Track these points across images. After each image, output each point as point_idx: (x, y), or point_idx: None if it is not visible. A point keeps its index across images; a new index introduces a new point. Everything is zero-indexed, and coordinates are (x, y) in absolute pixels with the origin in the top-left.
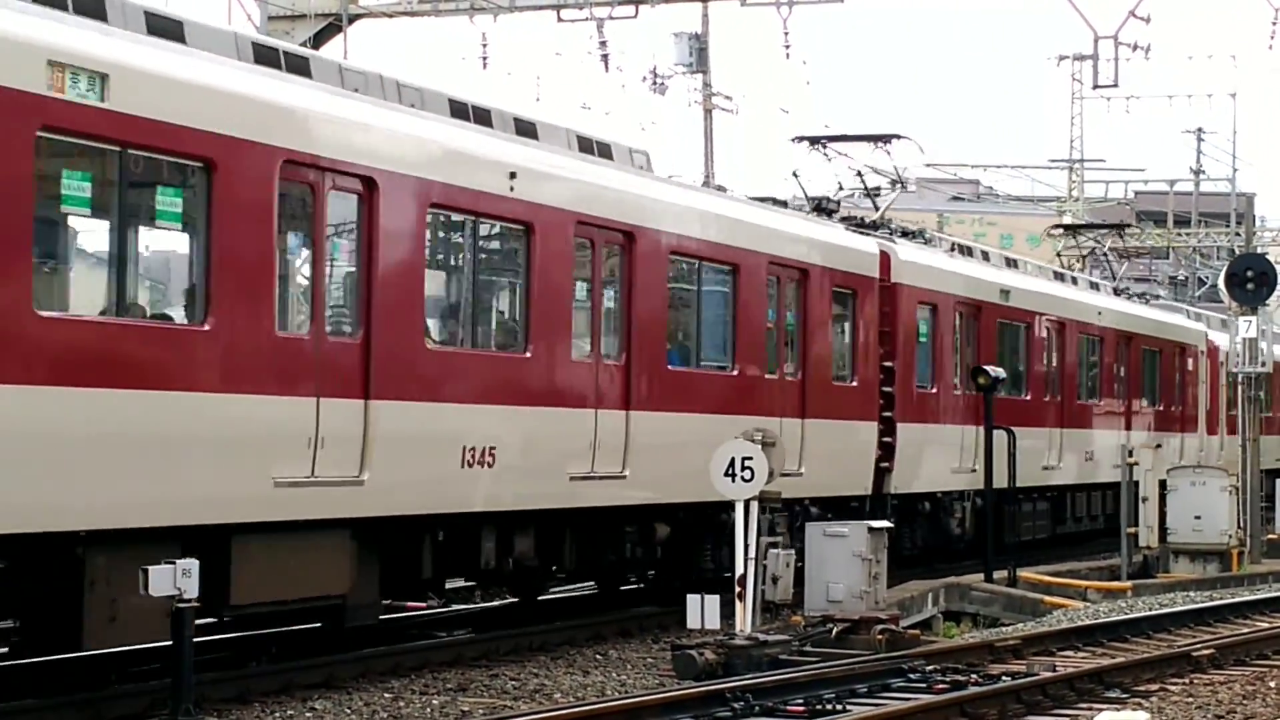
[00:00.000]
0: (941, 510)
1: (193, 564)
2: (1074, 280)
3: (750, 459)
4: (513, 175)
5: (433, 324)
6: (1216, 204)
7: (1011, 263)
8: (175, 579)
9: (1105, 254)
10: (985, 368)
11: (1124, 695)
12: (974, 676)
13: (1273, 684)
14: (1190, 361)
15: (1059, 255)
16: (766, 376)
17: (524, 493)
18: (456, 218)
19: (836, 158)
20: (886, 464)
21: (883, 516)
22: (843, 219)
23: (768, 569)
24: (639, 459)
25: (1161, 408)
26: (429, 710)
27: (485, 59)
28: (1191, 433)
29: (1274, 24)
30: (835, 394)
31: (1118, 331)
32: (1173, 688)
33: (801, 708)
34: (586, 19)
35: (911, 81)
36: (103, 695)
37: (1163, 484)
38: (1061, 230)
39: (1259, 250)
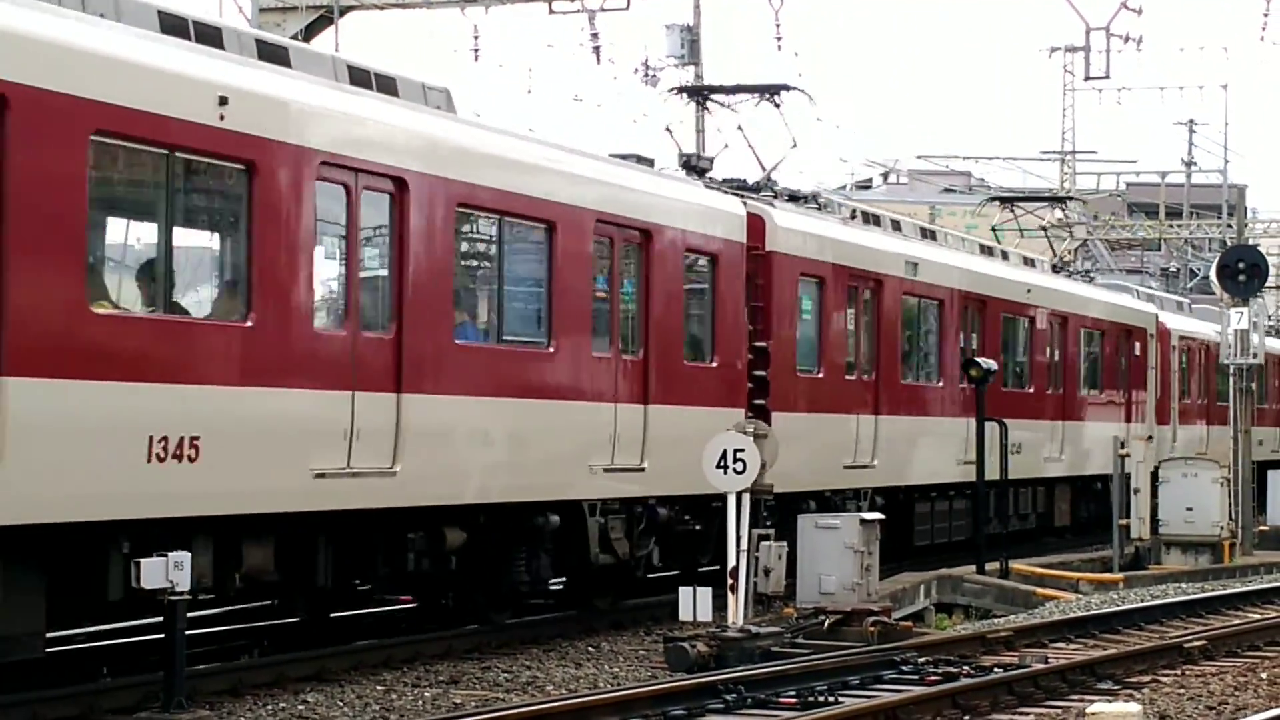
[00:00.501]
0: (831, 510)
1: (185, 556)
2: (1004, 255)
3: (742, 451)
4: (224, 101)
5: None
6: (1208, 196)
7: (930, 234)
8: (167, 571)
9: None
10: (978, 360)
11: (1116, 687)
12: (966, 668)
13: (1264, 675)
14: (1138, 346)
15: (1050, 245)
16: (595, 355)
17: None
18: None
19: (719, 111)
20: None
21: (754, 519)
22: (725, 181)
23: (760, 561)
24: (412, 452)
25: (1104, 395)
26: (421, 703)
27: (477, 51)
28: (1139, 423)
29: (1265, 16)
30: (688, 377)
31: (1052, 311)
32: (1164, 679)
33: (794, 699)
34: (578, 11)
35: (903, 72)
36: (95, 688)
37: (1154, 475)
38: (998, 204)
39: (1250, 242)
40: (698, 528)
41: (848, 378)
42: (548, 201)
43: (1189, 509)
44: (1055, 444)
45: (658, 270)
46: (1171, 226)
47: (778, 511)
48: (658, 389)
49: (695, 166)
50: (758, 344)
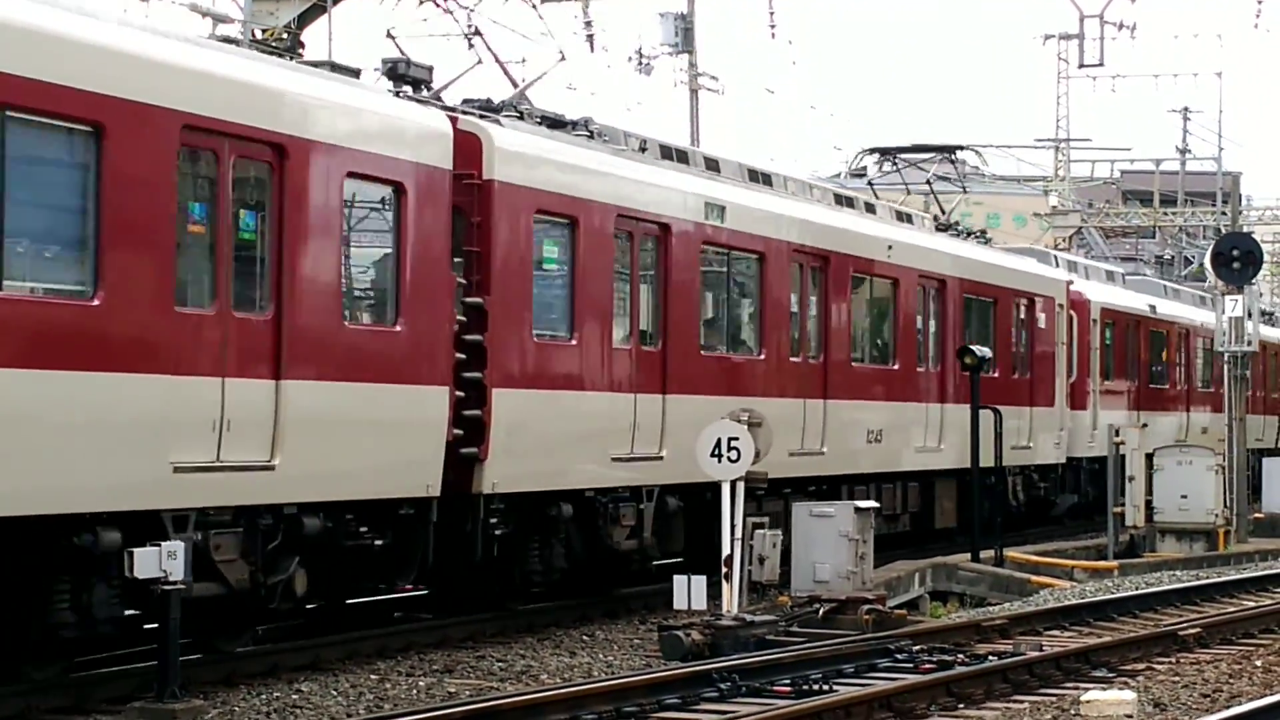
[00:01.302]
0: (599, 516)
1: (179, 546)
2: (869, 208)
3: (736, 440)
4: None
5: None
6: (1202, 183)
7: (763, 177)
8: (161, 561)
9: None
10: (972, 347)
11: (1110, 674)
12: (960, 656)
13: (1259, 663)
14: (1043, 317)
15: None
16: (180, 311)
17: None
18: None
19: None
20: (473, 448)
21: (472, 527)
22: (466, 102)
23: (754, 549)
24: None
25: (996, 374)
26: (415, 692)
27: (470, 39)
28: (1045, 406)
29: (1260, 3)
30: (352, 344)
31: (923, 274)
32: (1159, 667)
33: (788, 688)
34: None
35: (897, 60)
36: (88, 677)
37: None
38: (877, 154)
39: (1245, 229)
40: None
41: (620, 347)
42: (105, 97)
43: (1184, 496)
44: (932, 432)
45: (300, 201)
46: (1166, 214)
47: (514, 516)
48: (297, 359)
49: (406, 76)
50: (470, 300)
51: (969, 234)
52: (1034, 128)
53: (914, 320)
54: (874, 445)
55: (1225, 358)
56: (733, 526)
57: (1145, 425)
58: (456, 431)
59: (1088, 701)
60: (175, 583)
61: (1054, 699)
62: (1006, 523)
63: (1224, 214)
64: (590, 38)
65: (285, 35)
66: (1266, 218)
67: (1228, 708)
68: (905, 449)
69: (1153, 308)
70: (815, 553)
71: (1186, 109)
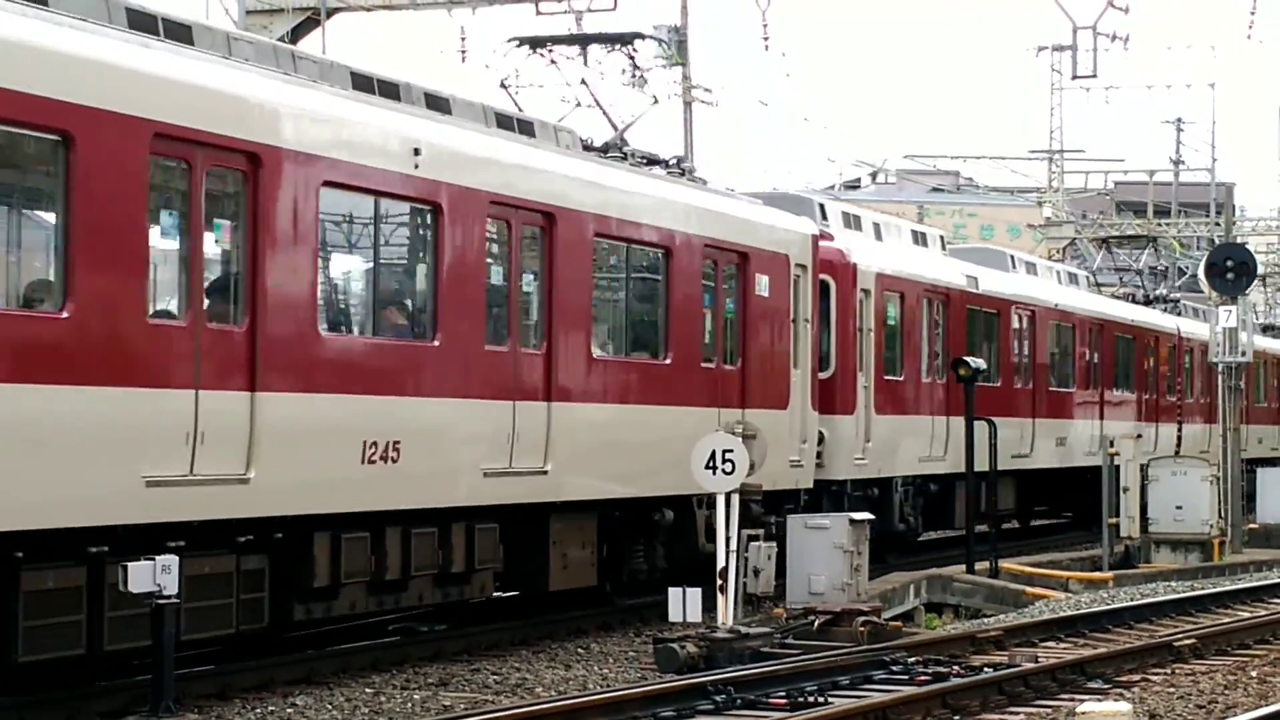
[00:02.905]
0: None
1: (172, 560)
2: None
3: (731, 452)
4: None
5: None
6: (1196, 194)
7: (437, 104)
8: (155, 575)
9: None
10: (966, 359)
11: (1106, 686)
12: (956, 668)
13: (1254, 674)
14: (765, 282)
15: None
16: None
17: None
18: None
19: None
20: None
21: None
22: None
23: (749, 561)
24: None
25: (668, 362)
26: (410, 705)
27: (464, 52)
28: (777, 408)
29: (1253, 14)
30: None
31: (597, 218)
32: (1155, 678)
33: (783, 700)
34: (565, 11)
35: (891, 72)
36: (83, 692)
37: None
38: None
39: (1238, 240)
40: None
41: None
42: None
43: (1178, 507)
44: (526, 447)
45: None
46: (1160, 225)
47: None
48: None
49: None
50: None
51: (692, 177)
52: (1027, 139)
53: (577, 291)
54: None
55: (1219, 368)
56: (728, 539)
57: (1140, 436)
58: None
59: (1083, 713)
60: (169, 597)
61: (1049, 711)
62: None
63: (1218, 224)
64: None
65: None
66: (1260, 228)
67: (1223, 718)
68: (468, 464)
69: (974, 280)
70: (810, 565)
71: (1180, 120)
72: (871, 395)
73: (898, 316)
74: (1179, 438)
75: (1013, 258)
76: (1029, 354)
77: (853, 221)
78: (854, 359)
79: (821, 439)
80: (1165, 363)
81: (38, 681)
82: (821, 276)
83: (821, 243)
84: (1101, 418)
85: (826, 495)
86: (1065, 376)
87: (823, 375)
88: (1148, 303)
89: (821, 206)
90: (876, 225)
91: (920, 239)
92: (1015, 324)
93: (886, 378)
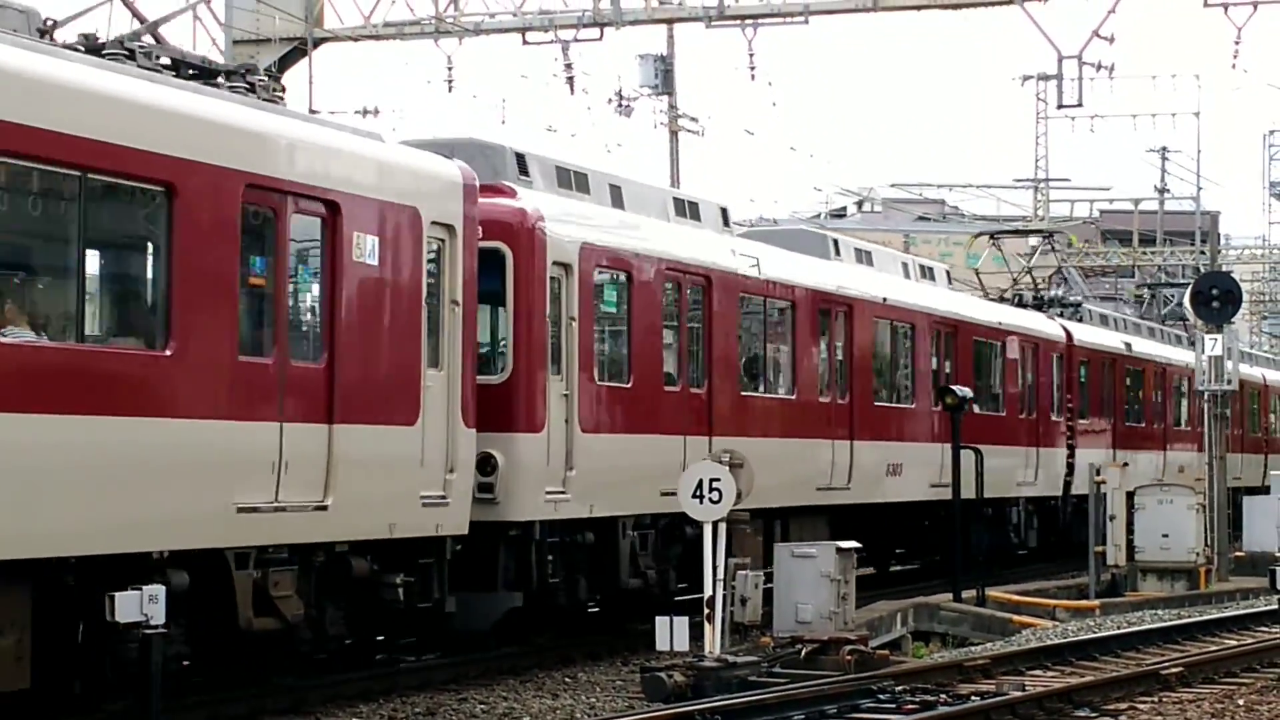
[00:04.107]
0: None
1: (159, 590)
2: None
3: (718, 480)
4: None
5: None
6: (1181, 222)
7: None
8: (142, 605)
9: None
10: (953, 387)
11: (1093, 714)
12: (943, 696)
13: (1241, 702)
14: (411, 260)
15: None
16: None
17: None
18: None
19: None
20: None
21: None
22: None
23: (736, 590)
24: None
25: (268, 360)
26: None
27: (450, 82)
28: (392, 423)
29: (1237, 44)
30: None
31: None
32: (1141, 706)
33: None
34: (552, 41)
35: (877, 102)
36: None
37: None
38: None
39: (1224, 268)
40: None
41: None
42: None
43: (1165, 535)
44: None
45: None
46: (1145, 253)
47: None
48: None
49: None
50: None
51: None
52: (1013, 168)
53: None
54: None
55: (1205, 396)
56: (714, 568)
57: (1124, 463)
58: None
59: None
60: (156, 627)
61: None
62: None
63: (1203, 253)
64: (570, 80)
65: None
66: (1245, 257)
67: None
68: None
69: (752, 262)
70: (797, 593)
71: (1165, 149)
72: (576, 406)
73: (622, 303)
74: (1071, 464)
75: (837, 242)
76: (844, 358)
77: (569, 179)
78: (544, 357)
79: (492, 465)
80: (1046, 374)
81: (21, 712)
82: (492, 244)
83: (497, 199)
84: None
85: (504, 544)
86: (901, 388)
87: (491, 379)
88: (1040, 306)
89: (520, 157)
90: (617, 189)
91: (690, 211)
92: (817, 321)
93: (604, 384)
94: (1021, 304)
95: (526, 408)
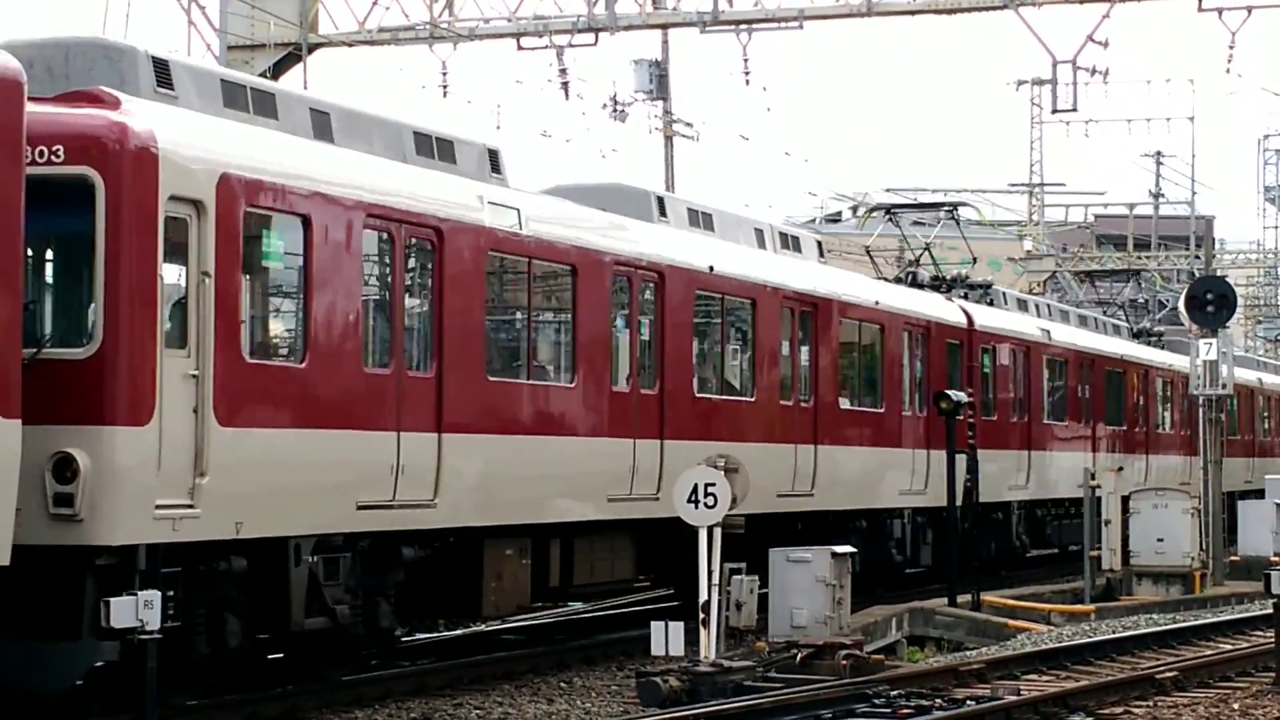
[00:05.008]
0: None
1: (154, 595)
2: None
3: (713, 486)
4: None
5: None
6: (1176, 227)
7: None
8: (137, 610)
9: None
10: (949, 392)
11: (1088, 718)
12: (938, 701)
13: (1236, 706)
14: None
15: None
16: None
17: None
18: None
19: None
20: None
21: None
22: None
23: (731, 595)
24: None
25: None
26: None
27: (445, 87)
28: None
29: (1231, 48)
30: None
31: None
32: (1136, 710)
33: None
34: (546, 46)
35: (872, 106)
36: None
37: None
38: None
39: (1218, 273)
40: None
41: None
42: None
43: (1160, 540)
44: None
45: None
46: (1140, 258)
47: None
48: None
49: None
50: None
51: None
52: (1008, 173)
53: None
54: None
55: (1200, 401)
56: (710, 572)
57: (1119, 469)
58: None
59: None
60: (151, 633)
61: None
62: None
63: (1198, 257)
64: (565, 85)
65: None
66: (1240, 261)
67: None
68: None
69: (512, 217)
70: (792, 598)
71: (1159, 153)
72: (210, 391)
73: (295, 256)
74: (973, 468)
75: (663, 201)
76: (653, 339)
77: (244, 99)
78: (153, 325)
79: (73, 470)
80: (939, 364)
81: (20, 715)
82: (74, 170)
83: (82, 109)
84: (816, 440)
85: (93, 575)
86: (739, 379)
87: (75, 353)
88: (942, 288)
89: (160, 63)
90: (322, 115)
91: (441, 151)
92: (608, 290)
93: (262, 362)
94: (917, 284)
95: (125, 391)
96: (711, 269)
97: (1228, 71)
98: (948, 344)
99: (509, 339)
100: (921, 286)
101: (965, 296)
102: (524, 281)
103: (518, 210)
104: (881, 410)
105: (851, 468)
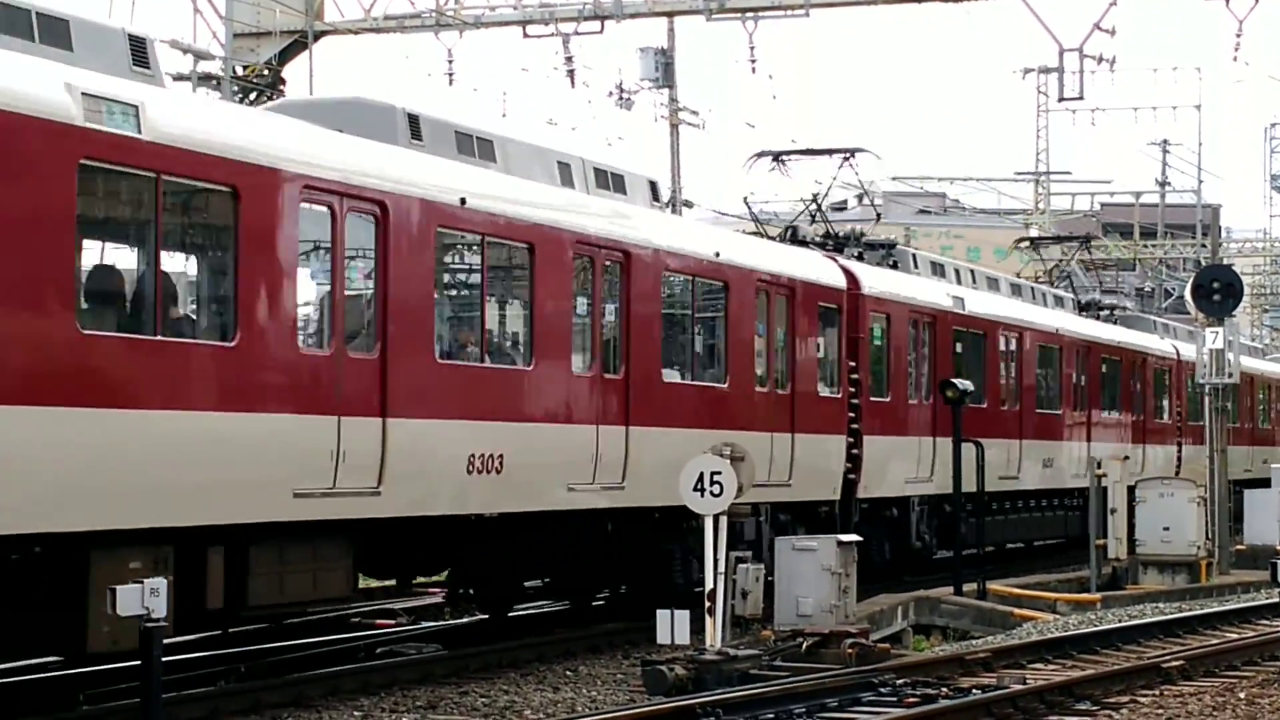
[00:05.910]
0: None
1: (161, 583)
2: None
3: (719, 474)
4: None
5: None
6: (1182, 215)
7: None
8: (143, 598)
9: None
10: (955, 380)
11: (1094, 708)
12: (944, 690)
13: (1242, 695)
14: None
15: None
16: None
17: None
18: None
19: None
20: None
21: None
22: None
23: (737, 583)
24: None
25: None
26: None
27: (451, 75)
28: None
29: (1238, 36)
30: None
31: None
32: (1142, 699)
33: None
34: (552, 34)
35: (878, 95)
36: (71, 716)
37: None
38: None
39: (1225, 261)
40: None
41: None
42: None
43: (1166, 529)
44: None
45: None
46: (1146, 246)
47: None
48: None
49: None
50: None
51: None
52: (1014, 161)
53: None
54: None
55: (1206, 389)
56: (715, 560)
57: (1128, 458)
58: None
59: None
60: (157, 620)
61: None
62: None
63: (1204, 246)
64: (571, 73)
65: (266, 72)
66: (1246, 250)
67: None
68: None
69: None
70: (798, 587)
71: (1166, 142)
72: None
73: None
74: (855, 457)
75: (417, 120)
76: (376, 287)
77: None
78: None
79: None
80: (811, 332)
81: (26, 705)
82: None
83: None
84: (629, 421)
85: None
86: (512, 344)
87: None
88: (836, 246)
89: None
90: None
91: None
92: (285, 222)
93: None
94: (798, 240)
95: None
96: (464, 202)
97: (1235, 60)
98: (820, 308)
99: (136, 285)
100: (804, 243)
101: (860, 256)
102: (146, 204)
103: (137, 107)
104: (725, 386)
105: (663, 454)
